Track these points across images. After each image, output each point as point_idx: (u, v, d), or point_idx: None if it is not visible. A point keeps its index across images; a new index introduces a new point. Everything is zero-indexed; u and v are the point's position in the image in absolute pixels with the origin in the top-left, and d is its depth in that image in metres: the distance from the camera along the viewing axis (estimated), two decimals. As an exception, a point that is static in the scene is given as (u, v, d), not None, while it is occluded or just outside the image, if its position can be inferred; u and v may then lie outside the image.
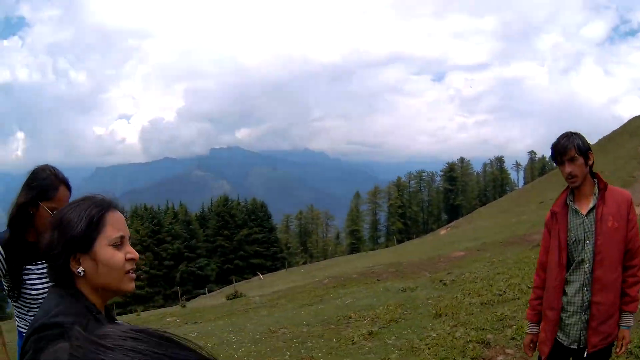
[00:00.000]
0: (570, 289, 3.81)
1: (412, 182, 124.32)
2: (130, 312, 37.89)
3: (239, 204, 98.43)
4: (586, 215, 3.76)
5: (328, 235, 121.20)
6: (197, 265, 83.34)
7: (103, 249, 1.93)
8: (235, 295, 28.54)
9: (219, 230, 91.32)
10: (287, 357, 8.15)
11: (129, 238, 2.07)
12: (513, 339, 7.13)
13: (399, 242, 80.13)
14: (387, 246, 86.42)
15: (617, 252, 3.70)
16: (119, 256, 1.96)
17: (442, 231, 60.40)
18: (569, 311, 3.82)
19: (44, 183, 3.30)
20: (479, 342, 7.08)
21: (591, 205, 3.76)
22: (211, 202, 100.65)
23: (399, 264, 24.01)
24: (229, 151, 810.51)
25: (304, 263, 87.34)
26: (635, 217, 3.76)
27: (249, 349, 9.15)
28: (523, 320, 7.17)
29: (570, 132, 3.79)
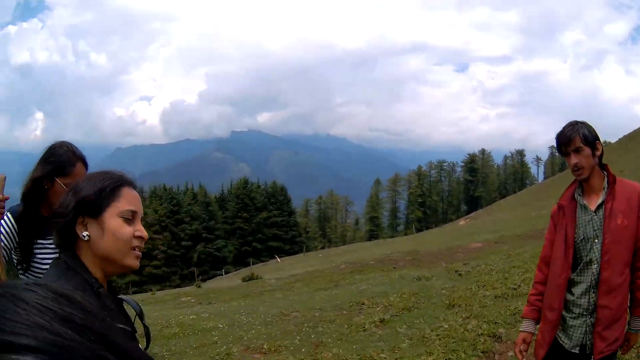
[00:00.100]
0: (576, 290, 3.52)
1: (433, 171, 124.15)
2: (146, 291, 38.19)
3: (258, 186, 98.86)
4: (595, 212, 3.47)
5: (347, 221, 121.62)
6: (214, 247, 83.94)
7: (112, 218, 1.92)
8: (251, 278, 28.68)
9: (238, 213, 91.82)
10: (296, 340, 8.12)
11: (142, 219, 2.04)
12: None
13: (418, 230, 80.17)
14: (405, 234, 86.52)
15: (626, 251, 3.40)
16: (127, 229, 1.93)
17: (461, 222, 60.27)
18: (574, 313, 3.54)
19: (61, 159, 3.27)
20: (490, 336, 6.98)
21: (600, 200, 3.47)
22: (231, 185, 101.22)
23: (417, 252, 23.92)
24: (250, 134, 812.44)
25: (322, 248, 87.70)
26: None
27: (260, 331, 9.14)
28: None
29: (576, 121, 3.52)
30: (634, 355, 5.57)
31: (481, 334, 6.99)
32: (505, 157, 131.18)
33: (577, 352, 3.54)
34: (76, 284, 1.81)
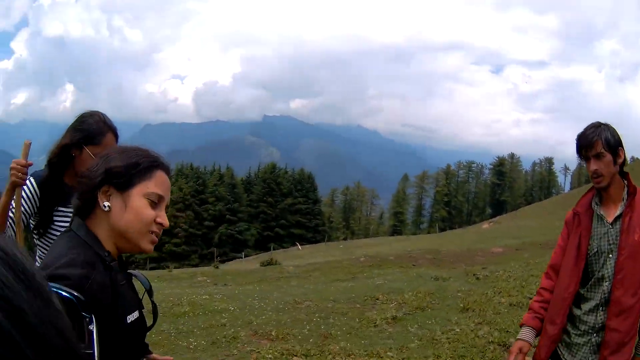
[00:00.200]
0: (585, 306, 3.21)
1: (461, 171, 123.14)
2: (164, 268, 38.42)
3: (286, 172, 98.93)
4: (611, 224, 3.15)
5: (372, 214, 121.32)
6: (237, 229, 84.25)
7: (138, 196, 1.84)
8: (269, 263, 28.75)
9: (263, 197, 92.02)
10: (305, 330, 8.07)
11: (167, 206, 1.97)
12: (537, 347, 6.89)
13: (441, 230, 79.77)
14: (428, 232, 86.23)
15: None
16: (150, 212, 1.85)
17: (485, 225, 59.83)
18: (580, 330, 3.23)
19: (91, 127, 3.22)
20: (500, 345, 6.82)
21: (618, 212, 3.15)
22: (258, 168, 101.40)
23: (437, 251, 23.83)
24: (282, 120, 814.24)
25: (345, 239, 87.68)
26: None
27: (270, 317, 9.12)
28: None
29: (599, 123, 3.19)
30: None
31: (491, 341, 6.86)
32: (534, 164, 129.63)
33: None
34: (88, 256, 1.75)
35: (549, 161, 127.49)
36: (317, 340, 7.45)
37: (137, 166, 1.84)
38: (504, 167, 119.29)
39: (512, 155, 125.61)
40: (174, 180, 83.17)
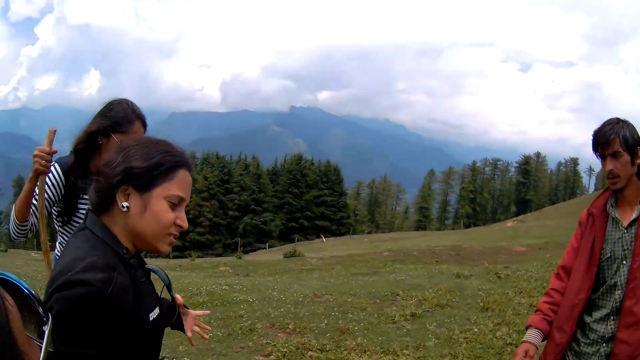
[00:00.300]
0: (596, 314, 2.98)
1: (487, 168, 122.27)
2: (187, 256, 38.68)
3: (312, 164, 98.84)
4: (627, 228, 2.91)
5: (397, 209, 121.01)
6: (261, 219, 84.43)
7: (159, 199, 1.75)
8: (293, 254, 28.77)
9: (289, 188, 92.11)
10: (323, 324, 8.03)
11: (186, 205, 1.88)
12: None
13: (466, 226, 79.68)
14: (453, 229, 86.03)
15: None
16: (170, 215, 1.77)
17: (509, 223, 59.51)
18: (589, 338, 3.00)
19: (119, 115, 3.18)
20: (517, 347, 6.74)
21: (634, 216, 2.90)
22: (284, 159, 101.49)
23: (461, 248, 23.74)
24: (309, 111, 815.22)
25: (369, 232, 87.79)
26: None
27: (288, 310, 9.09)
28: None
29: (618, 119, 2.93)
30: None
31: (509, 342, 6.74)
32: (559, 164, 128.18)
33: None
34: (108, 258, 1.67)
35: (574, 162, 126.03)
36: (334, 335, 7.41)
37: (159, 167, 1.75)
38: (530, 166, 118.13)
39: (537, 155, 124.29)
40: (199, 169, 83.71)
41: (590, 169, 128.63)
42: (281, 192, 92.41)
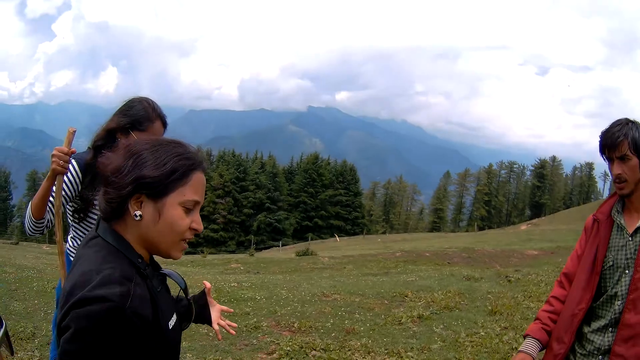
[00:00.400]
0: (594, 324, 2.79)
1: (503, 171, 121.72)
2: (199, 253, 38.75)
3: (328, 163, 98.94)
4: (631, 236, 2.70)
5: (412, 209, 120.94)
6: (275, 218, 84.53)
7: (173, 206, 1.67)
8: (305, 253, 28.85)
9: (304, 187, 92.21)
10: (329, 324, 7.97)
11: (202, 207, 1.81)
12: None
13: (480, 229, 79.37)
14: (467, 231, 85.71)
15: None
16: (185, 221, 1.69)
17: (523, 226, 59.40)
18: (585, 350, 2.81)
19: (139, 113, 3.20)
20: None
21: (639, 223, 2.69)
22: (301, 158, 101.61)
23: (473, 250, 23.68)
24: (327, 111, 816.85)
25: (383, 233, 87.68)
26: None
27: (295, 309, 9.05)
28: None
29: (628, 120, 2.71)
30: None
31: (515, 348, 6.61)
32: (575, 168, 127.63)
33: None
34: (124, 269, 1.60)
35: (590, 166, 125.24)
36: (339, 335, 7.35)
37: (173, 173, 1.66)
38: (545, 170, 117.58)
39: (553, 158, 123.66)
40: (215, 167, 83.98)
41: (606, 174, 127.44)
42: (296, 191, 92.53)
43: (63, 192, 3.02)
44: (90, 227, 3.23)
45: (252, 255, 31.18)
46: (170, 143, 1.74)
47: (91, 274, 1.55)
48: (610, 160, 2.73)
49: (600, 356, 2.73)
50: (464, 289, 11.19)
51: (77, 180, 3.16)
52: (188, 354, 6.26)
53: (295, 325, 7.82)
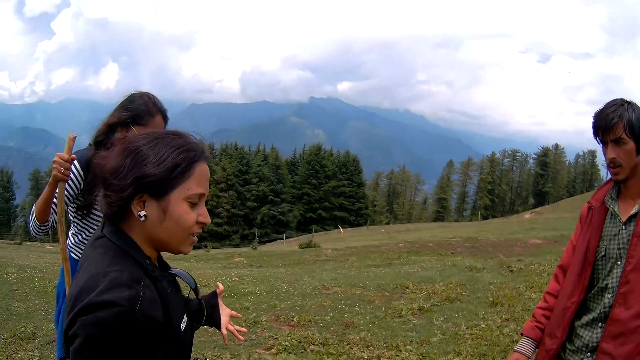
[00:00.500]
0: (585, 318, 2.63)
1: (506, 160, 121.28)
2: (203, 247, 38.79)
3: (331, 154, 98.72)
4: (625, 224, 2.52)
5: (415, 199, 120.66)
6: (279, 210, 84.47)
7: (178, 202, 1.59)
8: (308, 245, 28.83)
9: (307, 179, 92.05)
10: (328, 317, 7.93)
11: (206, 198, 1.73)
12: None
13: (484, 218, 79.37)
14: (470, 220, 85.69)
15: None
16: (192, 216, 1.62)
17: (527, 215, 59.36)
18: (575, 345, 2.65)
19: (139, 108, 3.21)
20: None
21: (634, 210, 2.50)
22: (303, 150, 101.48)
23: (477, 240, 23.66)
24: (329, 102, 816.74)
25: (387, 223, 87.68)
26: None
27: (295, 302, 9.03)
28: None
29: (624, 100, 2.51)
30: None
31: (516, 340, 6.54)
32: (577, 156, 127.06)
33: None
34: (131, 271, 1.54)
35: (593, 154, 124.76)
36: (338, 329, 7.30)
37: (174, 169, 1.58)
38: (548, 158, 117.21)
39: (556, 146, 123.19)
40: (218, 160, 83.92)
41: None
42: (300, 183, 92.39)
43: (66, 192, 3.03)
44: (95, 224, 3.27)
45: (255, 248, 31.16)
46: (169, 135, 1.66)
47: (98, 277, 1.49)
48: (604, 143, 2.54)
49: (588, 353, 2.58)
50: (466, 280, 11.15)
51: (79, 178, 3.15)
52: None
53: (295, 319, 7.80)
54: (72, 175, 3.09)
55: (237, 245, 59.51)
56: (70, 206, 3.25)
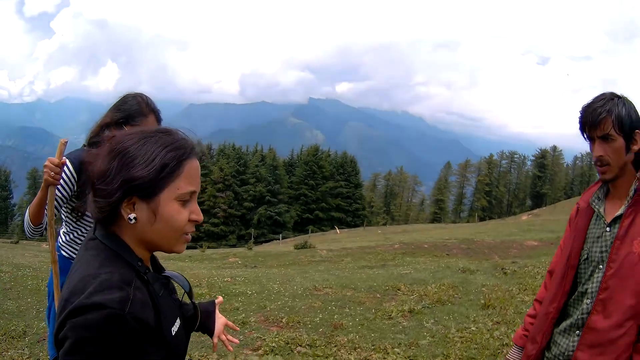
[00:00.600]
0: (563, 324, 2.48)
1: (504, 161, 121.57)
2: (198, 247, 38.73)
3: (329, 155, 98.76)
4: (609, 226, 2.35)
5: (413, 201, 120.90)
6: (276, 211, 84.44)
7: (168, 202, 1.54)
8: (303, 246, 28.79)
9: (305, 179, 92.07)
10: (317, 319, 7.87)
11: (199, 194, 1.67)
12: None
13: (481, 219, 79.43)
14: (468, 221, 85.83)
15: (634, 294, 2.20)
16: (183, 215, 1.57)
17: (524, 217, 59.47)
18: (552, 353, 2.51)
19: (132, 108, 3.25)
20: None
21: (620, 211, 2.33)
22: (301, 150, 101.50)
23: (472, 241, 23.65)
24: (328, 103, 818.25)
25: (384, 224, 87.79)
26: None
27: (285, 303, 8.97)
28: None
29: (613, 94, 2.33)
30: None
31: (506, 343, 6.48)
32: (575, 158, 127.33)
33: None
34: (122, 273, 1.50)
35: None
36: (327, 330, 7.23)
37: (163, 169, 1.53)
38: (546, 160, 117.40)
39: (554, 148, 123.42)
40: (215, 161, 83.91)
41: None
42: (297, 184, 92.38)
43: (59, 194, 3.09)
44: (87, 225, 3.30)
45: (251, 249, 31.14)
46: (158, 133, 1.60)
47: (88, 279, 1.46)
48: (591, 139, 2.36)
49: None
50: (458, 282, 11.08)
51: (72, 180, 3.15)
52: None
53: (284, 320, 7.73)
54: (64, 177, 3.09)
55: (233, 246, 59.41)
56: (64, 207, 3.25)
